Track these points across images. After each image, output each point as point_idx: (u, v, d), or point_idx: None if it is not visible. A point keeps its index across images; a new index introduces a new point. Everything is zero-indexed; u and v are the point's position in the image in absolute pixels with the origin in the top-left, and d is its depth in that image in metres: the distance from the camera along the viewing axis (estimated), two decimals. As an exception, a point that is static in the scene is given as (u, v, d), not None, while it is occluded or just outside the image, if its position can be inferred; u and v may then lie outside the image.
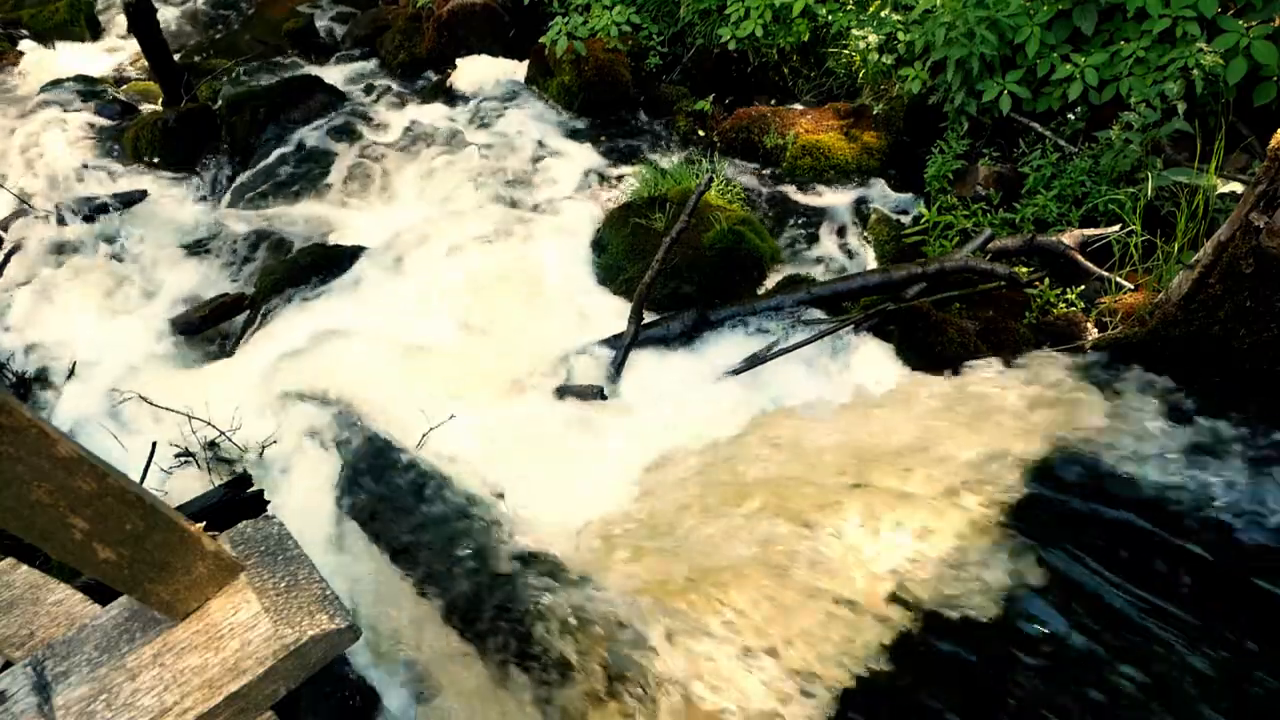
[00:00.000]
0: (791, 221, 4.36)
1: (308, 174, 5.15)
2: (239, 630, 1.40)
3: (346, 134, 5.43)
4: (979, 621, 2.28)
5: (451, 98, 5.85)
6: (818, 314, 3.60)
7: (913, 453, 2.86)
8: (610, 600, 2.41)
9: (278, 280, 4.18)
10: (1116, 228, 3.55)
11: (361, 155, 5.21)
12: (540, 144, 5.20)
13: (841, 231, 4.27)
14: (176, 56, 6.43)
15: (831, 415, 3.16)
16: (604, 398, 3.32)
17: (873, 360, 3.37)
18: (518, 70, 5.93)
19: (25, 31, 7.71)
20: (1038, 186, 3.90)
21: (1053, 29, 4.01)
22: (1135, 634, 2.24)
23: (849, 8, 4.96)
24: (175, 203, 5.16)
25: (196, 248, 4.75)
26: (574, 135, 5.30)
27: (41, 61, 7.22)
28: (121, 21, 7.33)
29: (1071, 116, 3.97)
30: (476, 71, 5.99)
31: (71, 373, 3.84)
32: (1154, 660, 2.17)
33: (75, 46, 7.65)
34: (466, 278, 4.14)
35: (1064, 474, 2.70)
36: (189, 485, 3.01)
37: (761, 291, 3.88)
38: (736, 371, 3.38)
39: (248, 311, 4.24)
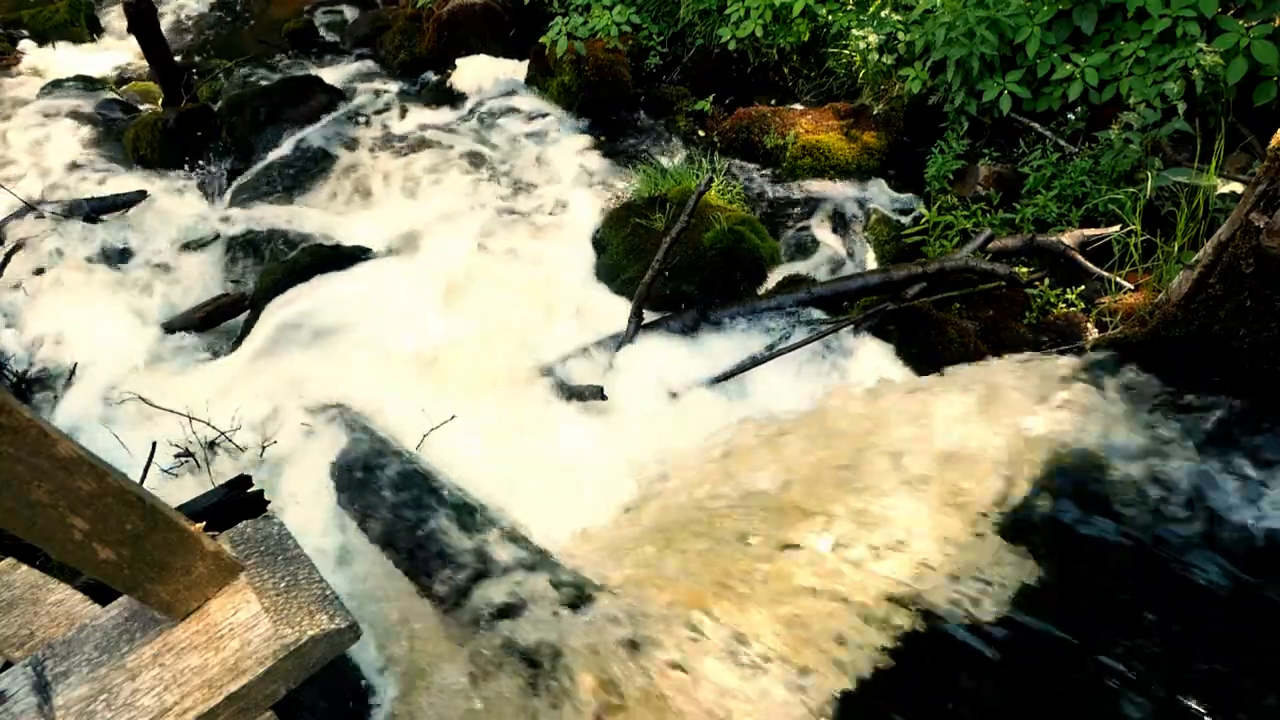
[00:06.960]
0: (792, 221, 4.36)
1: (308, 174, 5.15)
2: (239, 630, 1.40)
3: (346, 134, 5.43)
4: (978, 623, 2.28)
5: (452, 98, 5.85)
6: (818, 314, 3.60)
7: (912, 453, 2.86)
8: (609, 599, 2.41)
9: (278, 280, 4.18)
10: (1116, 228, 3.55)
11: (362, 155, 5.21)
12: (540, 144, 5.20)
13: (841, 231, 4.27)
14: (176, 56, 6.42)
15: (832, 415, 3.15)
16: (604, 398, 3.32)
17: (873, 360, 3.37)
18: (518, 70, 5.93)
19: (25, 31, 7.71)
20: (1038, 186, 3.90)
21: (1053, 29, 4.01)
22: (1136, 636, 2.24)
23: (849, 8, 4.96)
24: (175, 203, 5.15)
25: (196, 248, 4.74)
26: (574, 135, 5.30)
27: (41, 61, 7.23)
28: (121, 21, 7.32)
29: (1071, 116, 3.97)
30: (476, 71, 5.98)
31: (72, 373, 3.84)
32: (1158, 663, 2.17)
33: (75, 46, 7.65)
34: (466, 278, 4.14)
35: (1064, 474, 2.69)
36: (189, 485, 3.01)
37: (762, 291, 3.88)
38: (735, 372, 3.37)
39: (247, 311, 4.24)
